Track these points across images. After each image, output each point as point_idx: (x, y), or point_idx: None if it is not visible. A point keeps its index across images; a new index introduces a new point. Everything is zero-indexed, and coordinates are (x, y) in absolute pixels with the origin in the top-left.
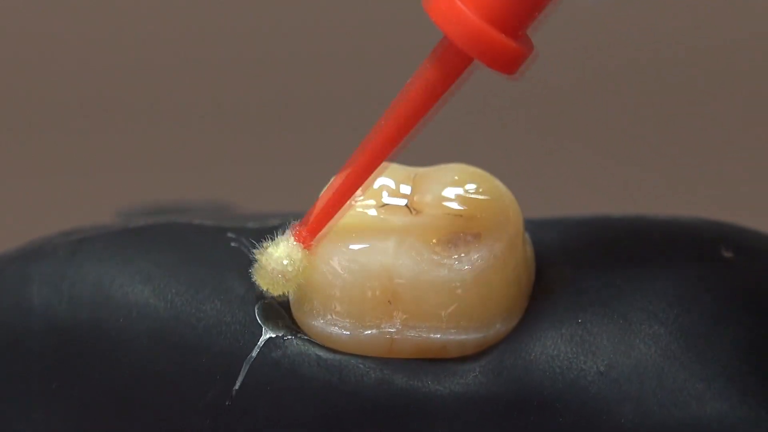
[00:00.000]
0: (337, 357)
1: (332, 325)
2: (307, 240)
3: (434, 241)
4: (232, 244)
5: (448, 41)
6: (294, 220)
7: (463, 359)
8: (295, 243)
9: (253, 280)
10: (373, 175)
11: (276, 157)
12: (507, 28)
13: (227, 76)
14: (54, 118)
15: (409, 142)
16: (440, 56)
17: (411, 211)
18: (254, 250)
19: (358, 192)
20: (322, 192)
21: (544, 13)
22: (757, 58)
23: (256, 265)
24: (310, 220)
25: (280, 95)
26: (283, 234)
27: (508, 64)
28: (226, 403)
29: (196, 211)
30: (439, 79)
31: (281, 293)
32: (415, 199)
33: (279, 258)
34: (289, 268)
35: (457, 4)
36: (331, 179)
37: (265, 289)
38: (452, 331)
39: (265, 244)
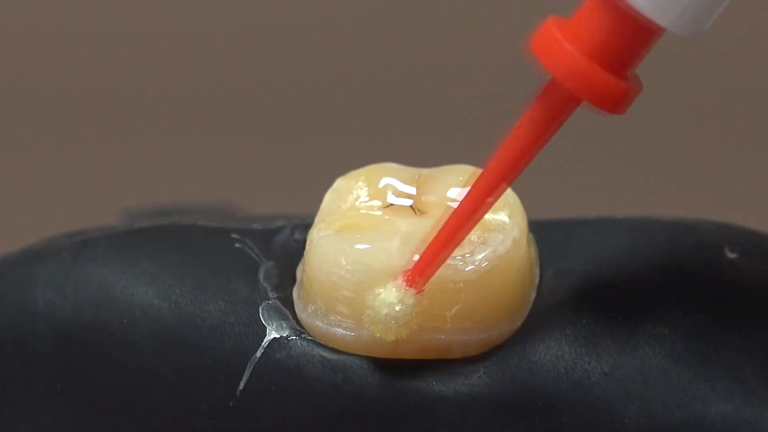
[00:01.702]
0: (341, 357)
1: (336, 326)
2: (419, 284)
3: None
4: (237, 245)
5: (556, 82)
6: (297, 223)
7: (468, 360)
8: (406, 288)
9: (366, 326)
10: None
11: (280, 159)
12: (615, 67)
13: (232, 78)
14: (58, 120)
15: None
16: (549, 98)
17: (415, 212)
18: (367, 296)
19: (363, 195)
20: (429, 235)
21: (650, 50)
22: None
23: (368, 311)
24: (419, 264)
25: (284, 97)
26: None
27: (618, 104)
28: (230, 404)
29: (200, 213)
30: (548, 120)
31: (395, 338)
32: (419, 199)
33: (392, 304)
34: (402, 313)
35: (566, 45)
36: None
37: (378, 335)
38: (456, 331)
39: (376, 290)
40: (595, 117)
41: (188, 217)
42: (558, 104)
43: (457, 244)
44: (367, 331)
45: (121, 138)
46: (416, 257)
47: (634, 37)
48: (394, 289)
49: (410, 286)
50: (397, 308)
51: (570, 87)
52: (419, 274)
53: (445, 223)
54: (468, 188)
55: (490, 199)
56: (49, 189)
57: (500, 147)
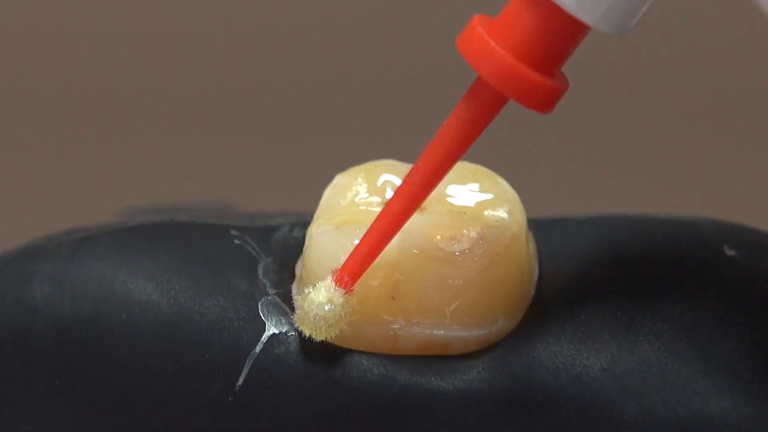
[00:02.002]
0: (341, 353)
1: None
2: (348, 284)
3: (438, 237)
4: (236, 242)
5: (483, 81)
6: (296, 220)
7: (467, 356)
8: (336, 288)
9: (296, 326)
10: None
11: (279, 158)
12: (542, 66)
13: (230, 77)
14: (57, 118)
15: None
16: (475, 97)
17: None
18: (296, 297)
19: (362, 191)
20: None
21: (577, 48)
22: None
23: (298, 311)
24: (349, 264)
25: (283, 96)
26: (323, 280)
27: (545, 102)
28: (229, 399)
29: (198, 211)
30: (475, 119)
31: (324, 338)
32: None
33: (321, 303)
34: (331, 313)
35: (491, 44)
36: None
37: (308, 335)
38: (455, 327)
39: (306, 290)
40: (596, 116)
41: (187, 215)
42: (485, 103)
43: (386, 243)
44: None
45: (119, 137)
46: (344, 257)
47: (561, 35)
48: (323, 289)
49: (339, 286)
50: (327, 308)
51: (496, 85)
52: (349, 273)
53: (374, 223)
54: (398, 188)
55: (419, 203)
56: (48, 188)
57: (428, 147)
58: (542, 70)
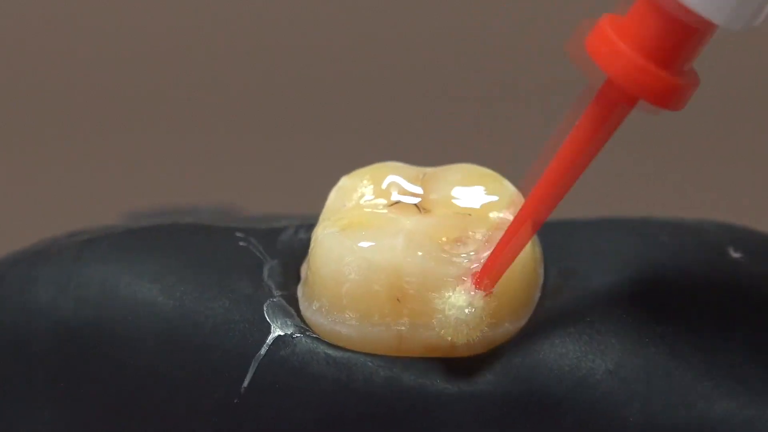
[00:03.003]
0: (346, 355)
1: (341, 323)
2: (488, 287)
3: (443, 239)
4: (241, 244)
5: (612, 83)
6: (301, 222)
7: (472, 358)
8: (475, 290)
9: (437, 330)
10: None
11: (284, 160)
12: (671, 65)
13: (235, 79)
14: (61, 120)
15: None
16: (606, 98)
17: (420, 210)
18: (435, 300)
19: (368, 193)
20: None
21: (706, 45)
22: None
23: (438, 316)
24: (487, 266)
25: (287, 98)
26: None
27: (675, 101)
28: (235, 402)
29: (202, 213)
30: (606, 121)
31: (465, 341)
32: (424, 198)
33: (461, 307)
34: (472, 317)
35: (620, 45)
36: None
37: (449, 338)
38: None
39: (445, 294)
40: None
41: (191, 218)
42: (614, 105)
43: (524, 244)
44: (441, 333)
45: (123, 139)
46: (483, 259)
47: (687, 34)
48: (463, 293)
49: (479, 289)
50: (467, 311)
51: (626, 87)
52: (487, 275)
53: (510, 225)
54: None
55: (554, 205)
56: (51, 191)
57: (560, 149)
58: (671, 69)
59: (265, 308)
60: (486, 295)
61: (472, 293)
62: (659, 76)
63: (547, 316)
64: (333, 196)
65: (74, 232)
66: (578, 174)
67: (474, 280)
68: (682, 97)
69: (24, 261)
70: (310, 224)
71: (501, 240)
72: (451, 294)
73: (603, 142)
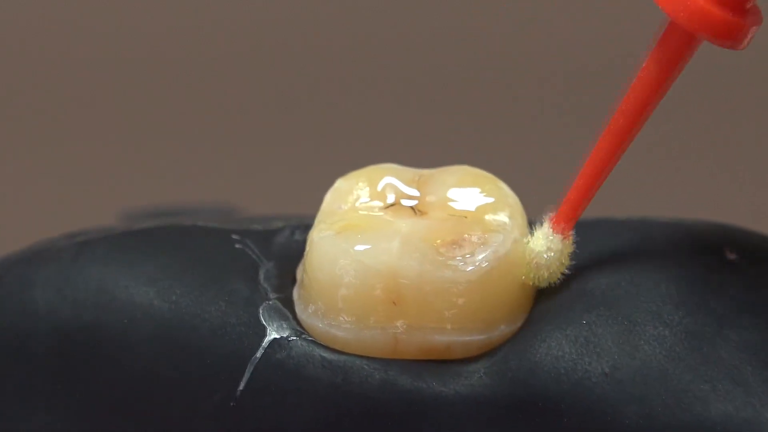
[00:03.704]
0: (342, 358)
1: (336, 327)
2: (566, 229)
3: (439, 242)
4: (237, 246)
5: (675, 24)
6: (297, 223)
7: (468, 360)
8: (554, 234)
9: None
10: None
11: (280, 161)
12: (733, 4)
13: (232, 80)
14: (59, 121)
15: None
16: (669, 40)
17: (416, 213)
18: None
19: (364, 196)
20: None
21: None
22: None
23: (531, 265)
24: (563, 210)
25: (285, 99)
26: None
27: (735, 39)
28: (231, 405)
29: (199, 214)
30: (671, 61)
31: (547, 285)
32: (420, 200)
33: (540, 252)
34: (552, 260)
35: None
36: None
37: (531, 282)
38: (457, 332)
39: (525, 239)
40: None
41: (187, 219)
42: (680, 46)
43: (598, 186)
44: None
45: (120, 140)
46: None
47: None
48: (541, 237)
49: (557, 233)
50: (546, 256)
51: (688, 27)
52: (564, 219)
53: (584, 166)
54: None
55: (625, 145)
56: (49, 191)
57: (628, 93)
58: (733, 8)
59: (260, 311)
60: (564, 239)
61: (551, 237)
62: (716, 15)
63: (543, 318)
64: (329, 198)
65: (72, 233)
66: (648, 114)
67: (552, 224)
68: (739, 34)
69: (22, 263)
70: (306, 225)
71: (576, 183)
72: (529, 239)
73: (671, 81)
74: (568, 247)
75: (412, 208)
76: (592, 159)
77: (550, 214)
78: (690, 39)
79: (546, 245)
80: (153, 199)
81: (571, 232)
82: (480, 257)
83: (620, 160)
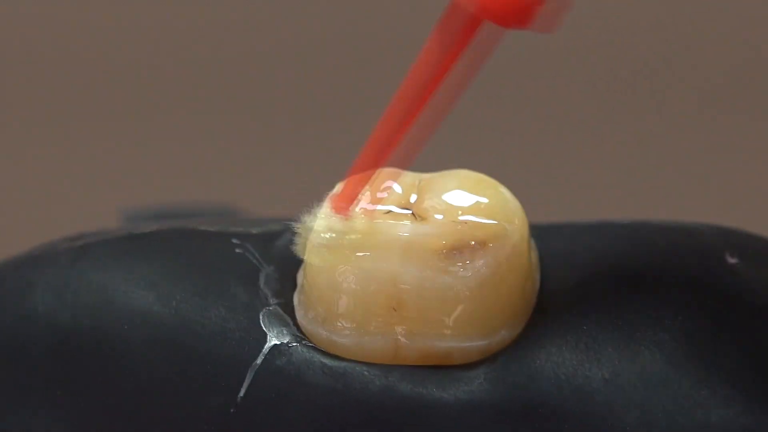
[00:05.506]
0: (342, 364)
1: (337, 333)
2: (345, 209)
3: (439, 247)
4: (237, 251)
5: (455, 4)
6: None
7: (468, 366)
8: (333, 214)
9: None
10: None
11: (281, 163)
12: None
13: (232, 80)
14: (59, 122)
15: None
16: (450, 22)
17: (416, 218)
18: (296, 225)
19: (363, 199)
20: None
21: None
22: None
23: (299, 241)
24: (344, 191)
25: (286, 100)
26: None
27: (516, 17)
28: (231, 411)
29: (199, 216)
30: (448, 42)
31: (330, 264)
32: (420, 205)
33: (319, 232)
34: (333, 240)
35: None
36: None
37: (310, 262)
38: (457, 338)
39: (304, 219)
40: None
41: (188, 221)
42: (458, 27)
43: (377, 168)
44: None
45: (121, 140)
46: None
47: None
48: (322, 218)
49: (337, 213)
50: (327, 236)
51: (466, 4)
52: (344, 200)
53: (363, 150)
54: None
55: (404, 130)
56: (48, 192)
57: (408, 75)
58: None
59: (261, 317)
60: (345, 219)
61: (331, 217)
62: None
63: (544, 324)
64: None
65: (71, 236)
66: (428, 98)
67: (333, 205)
68: (522, 12)
69: (21, 267)
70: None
71: (356, 166)
72: (307, 218)
73: (447, 68)
74: (350, 225)
75: (412, 213)
76: (370, 143)
77: (331, 193)
78: (470, 19)
79: (327, 225)
80: (153, 199)
81: (351, 213)
82: (480, 263)
83: (616, 163)
